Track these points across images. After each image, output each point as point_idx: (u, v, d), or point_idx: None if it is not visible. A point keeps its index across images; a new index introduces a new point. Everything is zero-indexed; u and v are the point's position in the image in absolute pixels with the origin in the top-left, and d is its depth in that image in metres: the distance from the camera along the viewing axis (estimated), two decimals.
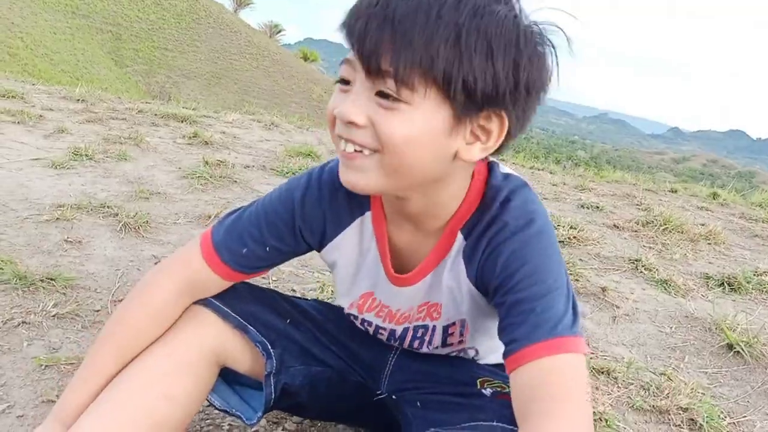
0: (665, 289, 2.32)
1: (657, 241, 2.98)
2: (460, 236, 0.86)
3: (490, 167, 0.87)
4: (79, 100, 4.37)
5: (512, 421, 0.77)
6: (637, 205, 3.81)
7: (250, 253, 0.92)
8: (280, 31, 46.78)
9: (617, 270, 2.47)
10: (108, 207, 2.24)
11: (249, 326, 0.96)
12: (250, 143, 3.93)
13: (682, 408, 1.47)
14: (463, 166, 0.80)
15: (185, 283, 0.94)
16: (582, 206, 3.51)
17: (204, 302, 0.96)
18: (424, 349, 1.00)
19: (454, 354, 1.02)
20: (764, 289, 2.44)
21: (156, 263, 1.89)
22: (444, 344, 0.98)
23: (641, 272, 2.46)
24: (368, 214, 0.92)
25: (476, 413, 0.90)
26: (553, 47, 0.74)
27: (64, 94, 4.55)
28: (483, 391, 0.97)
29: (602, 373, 1.60)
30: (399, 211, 0.88)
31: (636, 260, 2.54)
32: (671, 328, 2.00)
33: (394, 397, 1.03)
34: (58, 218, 2.08)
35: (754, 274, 2.55)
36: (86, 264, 1.81)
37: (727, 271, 2.59)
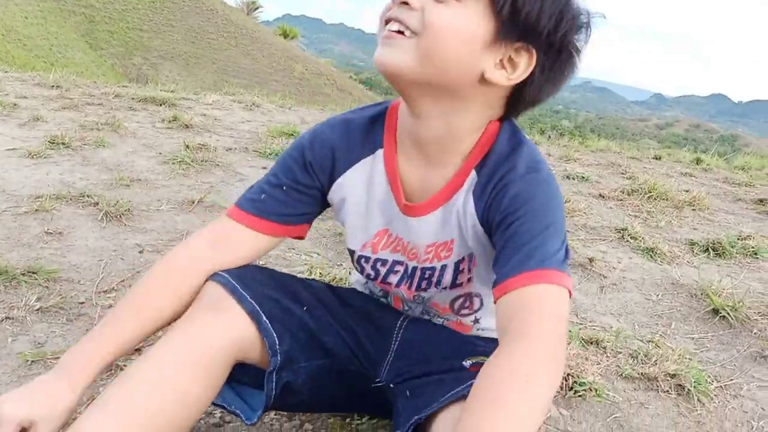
0: (651, 257, 2.34)
1: (642, 209, 3.00)
2: (473, 173, 0.90)
3: (503, 119, 0.92)
4: (53, 86, 4.27)
5: None
6: (622, 173, 3.82)
7: (268, 198, 0.96)
8: (257, 8, 45.86)
9: (604, 240, 2.49)
10: (88, 196, 2.20)
11: (263, 316, 0.93)
12: (231, 125, 3.87)
13: (669, 374, 1.49)
14: (484, 98, 0.86)
15: (212, 237, 0.97)
16: (568, 177, 3.51)
17: (224, 283, 0.92)
18: (432, 290, 1.01)
19: (461, 300, 1.03)
20: (748, 253, 2.47)
21: (140, 252, 1.87)
22: (453, 284, 0.99)
23: (627, 241, 2.48)
24: (380, 151, 0.95)
25: (456, 384, 0.90)
26: (589, 33, 0.84)
27: (38, 80, 4.44)
28: (464, 364, 0.98)
29: (591, 343, 1.61)
30: (414, 139, 0.91)
31: (622, 229, 2.56)
32: (658, 295, 2.02)
33: (391, 385, 1.02)
34: (36, 209, 2.04)
35: (738, 239, 2.58)
36: (68, 255, 1.78)
37: (711, 236, 2.62)
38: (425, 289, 1.01)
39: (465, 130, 0.89)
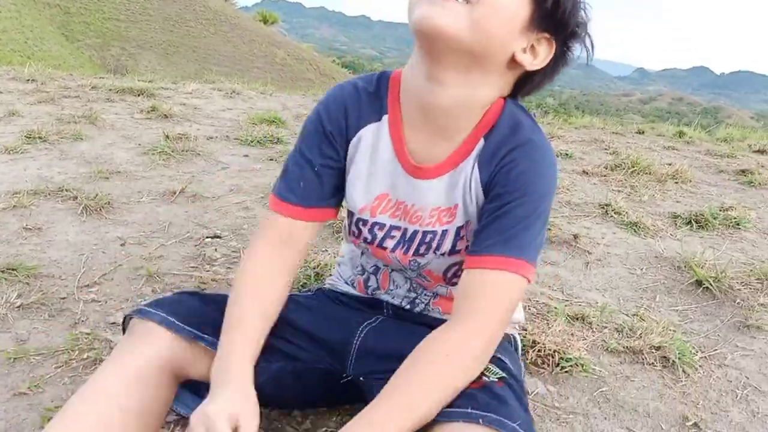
0: (635, 231, 2.36)
1: (626, 184, 3.01)
2: (481, 141, 0.94)
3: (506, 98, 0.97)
4: (29, 80, 4.20)
5: None
6: (606, 149, 3.84)
7: (307, 185, 0.99)
8: None
9: (588, 216, 2.50)
10: (66, 190, 2.17)
11: (203, 335, 0.94)
12: (211, 113, 3.83)
13: (654, 347, 1.51)
14: (504, 77, 0.91)
15: (276, 242, 0.99)
16: None
17: (155, 318, 0.93)
18: (430, 256, 1.02)
19: (455, 268, 1.03)
20: (730, 224, 2.49)
21: (122, 245, 1.85)
22: (452, 251, 1.00)
23: (611, 216, 2.49)
24: (385, 117, 0.97)
25: None
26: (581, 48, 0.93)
27: (13, 74, 4.36)
28: None
29: (577, 319, 1.62)
30: (424, 108, 0.92)
31: (606, 205, 2.57)
32: (642, 269, 2.04)
33: (362, 379, 1.01)
34: (15, 206, 2.01)
35: (720, 210, 2.60)
36: (48, 251, 1.75)
37: (694, 208, 2.64)
38: (423, 254, 1.02)
39: (479, 104, 0.92)
